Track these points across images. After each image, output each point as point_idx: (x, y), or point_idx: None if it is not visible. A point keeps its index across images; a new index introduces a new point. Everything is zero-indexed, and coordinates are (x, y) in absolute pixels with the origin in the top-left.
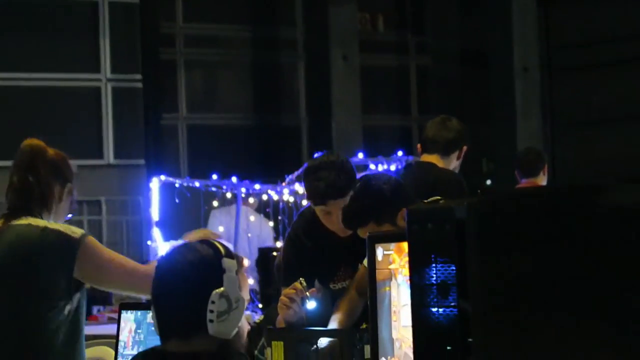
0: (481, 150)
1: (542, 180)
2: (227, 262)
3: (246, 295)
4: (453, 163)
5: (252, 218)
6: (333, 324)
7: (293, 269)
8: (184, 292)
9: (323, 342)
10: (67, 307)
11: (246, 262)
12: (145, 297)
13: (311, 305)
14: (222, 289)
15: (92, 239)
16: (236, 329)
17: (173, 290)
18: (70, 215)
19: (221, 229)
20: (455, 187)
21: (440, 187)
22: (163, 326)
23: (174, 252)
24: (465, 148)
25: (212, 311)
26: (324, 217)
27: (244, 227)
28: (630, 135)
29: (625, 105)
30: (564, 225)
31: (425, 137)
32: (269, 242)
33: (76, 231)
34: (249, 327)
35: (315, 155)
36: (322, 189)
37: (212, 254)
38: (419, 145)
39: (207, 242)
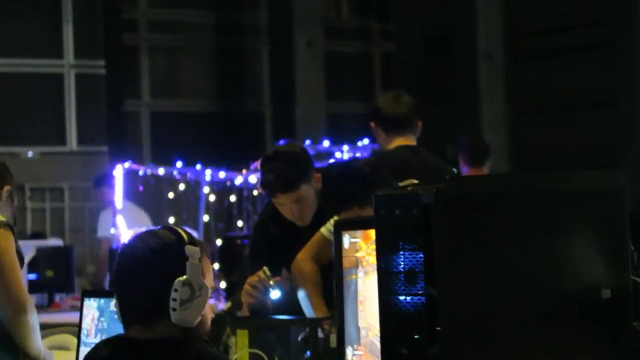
0: (445, 136)
1: (486, 170)
2: (190, 249)
3: (210, 283)
4: None
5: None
6: (313, 310)
7: (260, 257)
8: (146, 279)
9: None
10: None
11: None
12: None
13: (275, 294)
14: (185, 276)
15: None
16: (199, 317)
17: (135, 277)
18: None
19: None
20: None
21: None
22: (125, 313)
23: (136, 238)
24: (420, 124)
25: (175, 299)
26: (279, 208)
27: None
28: (592, 121)
29: (587, 92)
30: (530, 210)
31: (392, 116)
32: None
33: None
34: (213, 315)
35: (278, 143)
36: (271, 181)
37: (175, 241)
38: (373, 125)
39: (170, 229)
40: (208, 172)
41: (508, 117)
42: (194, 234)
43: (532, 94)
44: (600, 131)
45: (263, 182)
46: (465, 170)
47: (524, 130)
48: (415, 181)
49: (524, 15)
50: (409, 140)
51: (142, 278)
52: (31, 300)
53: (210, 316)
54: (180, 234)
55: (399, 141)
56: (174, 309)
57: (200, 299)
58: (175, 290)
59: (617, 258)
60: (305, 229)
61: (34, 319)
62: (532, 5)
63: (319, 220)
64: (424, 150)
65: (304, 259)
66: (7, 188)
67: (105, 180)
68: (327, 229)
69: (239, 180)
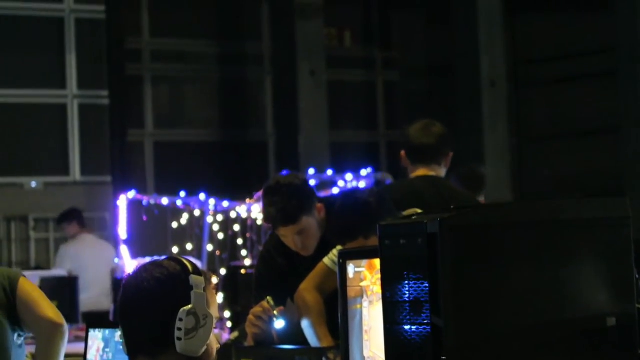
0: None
1: (481, 200)
2: (194, 279)
3: (215, 313)
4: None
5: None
6: (318, 338)
7: (265, 287)
8: (151, 309)
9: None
10: None
11: (215, 280)
12: None
13: (279, 324)
14: (189, 306)
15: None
16: (205, 347)
17: (140, 307)
18: None
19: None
20: None
21: None
22: (130, 344)
23: (141, 268)
24: (450, 155)
25: (179, 329)
26: (282, 239)
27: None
28: (595, 148)
29: (590, 119)
30: (535, 238)
31: (417, 145)
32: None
33: None
34: (219, 345)
35: (280, 174)
36: (272, 214)
37: (180, 271)
38: (403, 154)
39: (174, 259)
40: (212, 202)
41: (511, 144)
42: (198, 264)
43: (536, 121)
44: (603, 159)
45: (265, 215)
46: None
47: (527, 158)
48: (419, 210)
49: (527, 43)
50: (433, 171)
51: (147, 308)
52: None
53: (215, 346)
54: (184, 264)
55: (422, 172)
56: (179, 339)
57: (206, 328)
58: (180, 320)
59: (622, 286)
60: (311, 259)
61: (66, 339)
62: (535, 33)
63: (324, 250)
64: (445, 181)
65: (306, 289)
66: None
67: (64, 217)
68: (329, 259)
69: (242, 209)
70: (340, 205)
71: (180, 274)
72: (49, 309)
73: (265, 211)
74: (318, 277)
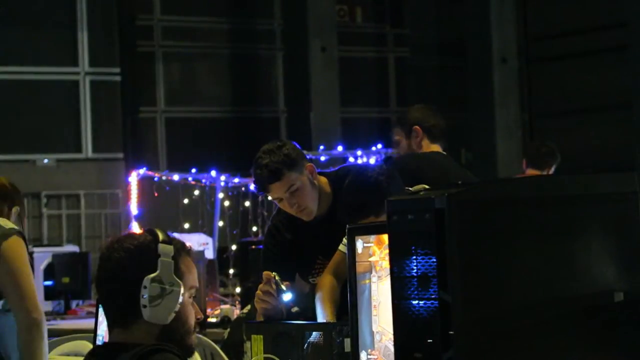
0: (459, 140)
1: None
2: (162, 247)
3: (192, 282)
4: None
5: None
6: (323, 315)
7: (272, 263)
8: (120, 279)
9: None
10: None
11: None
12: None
13: (287, 297)
14: (155, 273)
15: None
16: (173, 314)
17: (110, 279)
18: None
19: None
20: None
21: None
22: (107, 316)
23: (113, 240)
24: None
25: (144, 296)
26: (280, 205)
27: None
28: (606, 124)
29: (601, 95)
30: (544, 214)
31: (434, 125)
32: None
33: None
34: (201, 315)
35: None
36: (258, 175)
37: (150, 240)
38: (419, 129)
39: (149, 231)
40: (223, 178)
41: (522, 120)
42: (200, 239)
43: (546, 97)
44: (614, 134)
45: (254, 180)
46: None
47: (538, 134)
48: (427, 186)
49: (538, 19)
50: (444, 152)
51: (117, 279)
52: (43, 314)
53: (192, 315)
54: (156, 234)
55: (437, 149)
56: (144, 306)
57: (172, 295)
58: (145, 287)
59: (630, 261)
60: (318, 234)
61: (45, 332)
62: (547, 9)
63: (331, 225)
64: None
65: (323, 274)
66: (15, 209)
67: None
68: (344, 244)
69: (253, 186)
70: (350, 183)
71: (149, 244)
72: (26, 297)
73: (254, 178)
74: (334, 263)
